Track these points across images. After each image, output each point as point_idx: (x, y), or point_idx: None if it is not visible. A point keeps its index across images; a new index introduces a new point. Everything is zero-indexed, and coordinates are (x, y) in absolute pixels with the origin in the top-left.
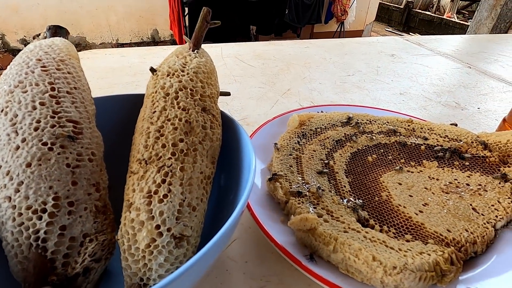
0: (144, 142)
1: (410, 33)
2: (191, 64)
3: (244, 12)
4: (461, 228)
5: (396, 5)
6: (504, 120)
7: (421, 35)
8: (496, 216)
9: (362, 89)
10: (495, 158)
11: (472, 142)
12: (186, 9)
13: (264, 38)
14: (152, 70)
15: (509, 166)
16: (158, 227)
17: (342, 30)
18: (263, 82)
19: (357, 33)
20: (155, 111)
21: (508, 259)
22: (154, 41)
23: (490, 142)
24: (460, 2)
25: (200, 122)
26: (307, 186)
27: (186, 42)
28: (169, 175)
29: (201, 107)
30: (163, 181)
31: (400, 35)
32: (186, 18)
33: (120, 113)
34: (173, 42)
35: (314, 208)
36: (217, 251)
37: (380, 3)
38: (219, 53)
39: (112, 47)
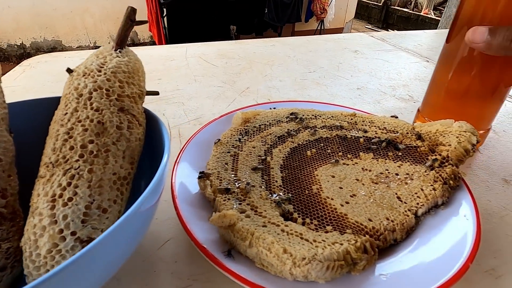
0: (52, 145)
1: (389, 30)
2: (110, 63)
3: (223, 12)
4: (383, 216)
5: (375, 3)
6: (418, 110)
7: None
8: (418, 204)
9: (321, 85)
10: (425, 148)
11: (408, 133)
12: (165, 9)
13: (245, 38)
14: (69, 70)
15: (436, 155)
16: (61, 231)
17: (323, 28)
18: (224, 81)
19: (337, 31)
20: (66, 113)
21: (426, 244)
22: (134, 43)
23: (422, 132)
24: None
25: (114, 123)
26: (237, 183)
27: (165, 43)
28: (76, 177)
29: (118, 107)
30: (69, 184)
31: (379, 31)
32: (165, 19)
33: (40, 116)
34: (153, 44)
35: (240, 204)
36: (114, 249)
37: (359, 1)
38: (183, 53)
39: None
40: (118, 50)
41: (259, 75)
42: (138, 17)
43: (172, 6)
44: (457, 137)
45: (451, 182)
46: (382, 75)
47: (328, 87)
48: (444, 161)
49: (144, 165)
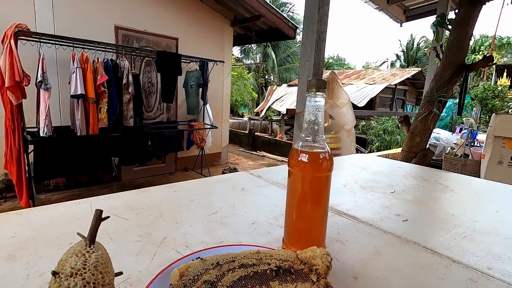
0: None
1: (258, 151)
2: (91, 260)
3: (105, 146)
4: None
5: (242, 131)
6: (283, 240)
7: (265, 152)
8: None
9: (225, 225)
10: (307, 269)
11: (294, 260)
12: (32, 146)
13: (127, 168)
14: (54, 273)
15: (314, 273)
16: None
17: (204, 153)
18: (139, 235)
19: (217, 155)
20: None
21: None
22: None
23: (302, 258)
24: (285, 126)
25: None
26: None
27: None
28: None
29: None
30: None
31: (251, 153)
32: (31, 155)
33: None
34: (7, 182)
35: None
36: None
37: (230, 130)
38: (88, 209)
39: None
40: (92, 245)
41: (171, 222)
42: None
43: (40, 143)
44: (320, 259)
45: None
46: (266, 208)
47: (231, 225)
48: (319, 276)
49: None
